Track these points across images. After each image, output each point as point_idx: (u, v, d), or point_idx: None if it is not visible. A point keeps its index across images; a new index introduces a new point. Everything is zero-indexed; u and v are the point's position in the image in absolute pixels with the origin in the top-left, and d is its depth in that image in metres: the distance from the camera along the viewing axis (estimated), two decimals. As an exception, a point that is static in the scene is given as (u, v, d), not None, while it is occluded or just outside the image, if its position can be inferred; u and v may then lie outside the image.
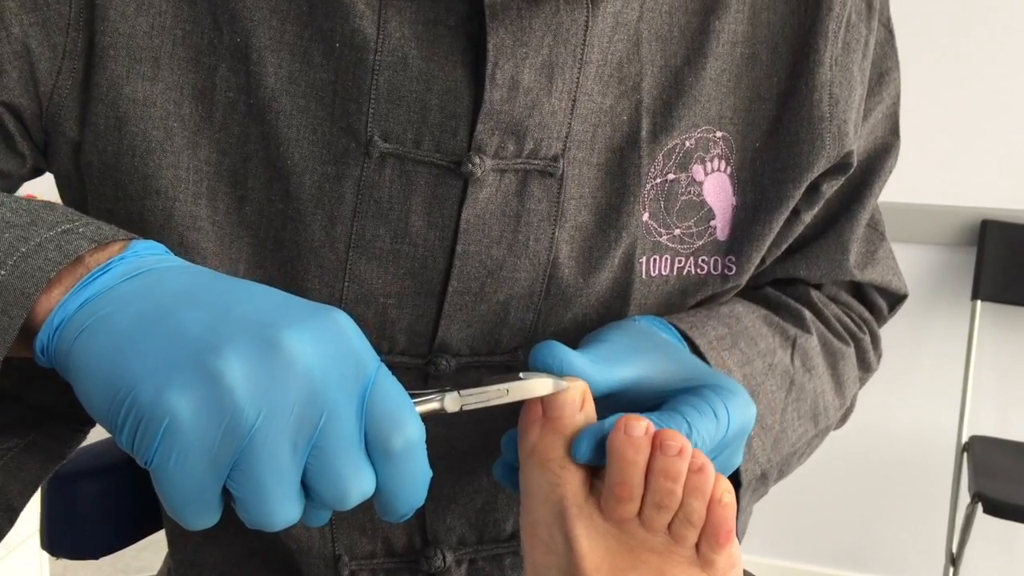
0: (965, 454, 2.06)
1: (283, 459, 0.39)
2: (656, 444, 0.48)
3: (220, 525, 0.67)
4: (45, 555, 1.94)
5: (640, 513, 0.49)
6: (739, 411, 0.53)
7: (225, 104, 0.55)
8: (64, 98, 0.55)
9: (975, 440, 2.07)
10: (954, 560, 2.01)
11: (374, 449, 0.41)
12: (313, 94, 0.55)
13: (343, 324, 0.41)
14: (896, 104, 0.72)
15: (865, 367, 0.76)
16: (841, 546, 2.33)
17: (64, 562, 2.40)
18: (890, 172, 0.72)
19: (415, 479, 0.42)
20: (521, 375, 0.49)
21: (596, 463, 0.50)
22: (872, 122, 0.69)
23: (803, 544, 2.35)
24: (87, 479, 0.82)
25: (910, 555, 2.28)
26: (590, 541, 0.50)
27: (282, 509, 0.40)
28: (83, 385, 0.40)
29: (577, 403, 0.50)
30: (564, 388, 0.50)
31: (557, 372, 0.51)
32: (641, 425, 0.48)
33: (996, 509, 1.78)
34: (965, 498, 1.89)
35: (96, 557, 0.85)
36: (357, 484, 0.41)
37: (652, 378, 0.54)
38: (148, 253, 0.45)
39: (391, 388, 0.42)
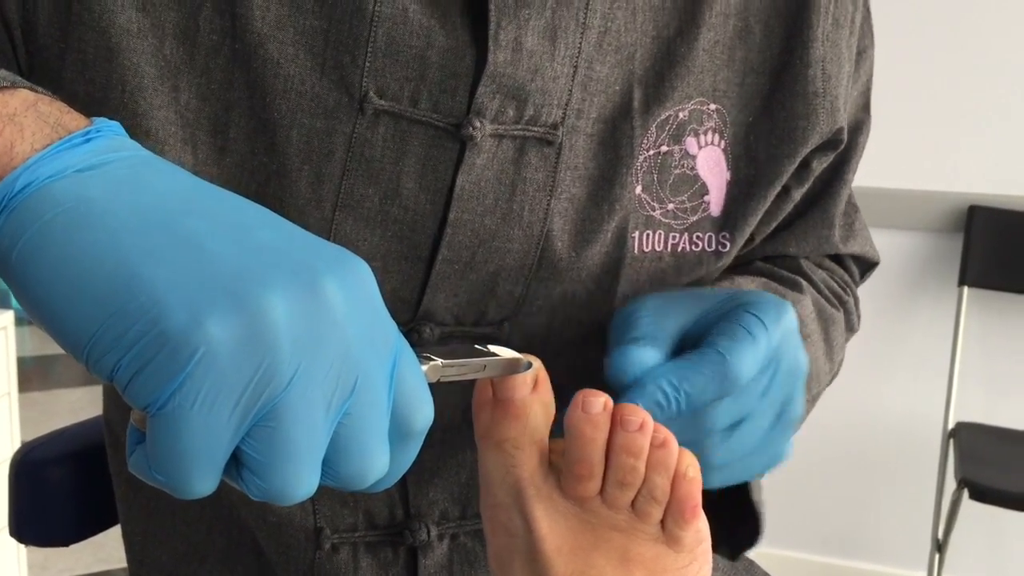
0: (951, 440, 2.06)
1: (316, 420, 0.35)
2: (616, 420, 0.47)
3: (165, 523, 0.66)
4: (23, 546, 1.92)
5: (602, 491, 0.48)
6: (772, 317, 0.52)
7: (208, 47, 0.53)
8: (40, 19, 0.51)
9: (961, 426, 2.07)
10: (940, 546, 2.01)
11: (394, 426, 0.38)
12: (303, 42, 0.53)
13: (369, 279, 0.37)
14: (870, 81, 0.72)
15: (850, 328, 0.76)
16: (827, 533, 2.33)
17: (44, 553, 2.39)
18: (864, 148, 0.72)
19: (408, 463, 0.40)
20: (490, 347, 0.48)
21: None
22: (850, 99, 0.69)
23: (789, 531, 2.35)
24: (54, 465, 0.80)
25: (896, 541, 2.28)
26: (550, 522, 0.49)
27: (305, 478, 0.35)
28: (57, 281, 0.34)
29: (528, 384, 0.49)
30: (530, 369, 0.49)
31: (643, 372, 0.50)
32: (599, 401, 0.47)
33: (982, 495, 1.78)
34: (951, 484, 1.89)
35: (66, 544, 0.83)
36: (380, 461, 0.37)
37: (688, 325, 0.54)
38: (120, 133, 0.39)
39: (415, 361, 0.39)
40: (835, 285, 0.74)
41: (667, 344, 0.53)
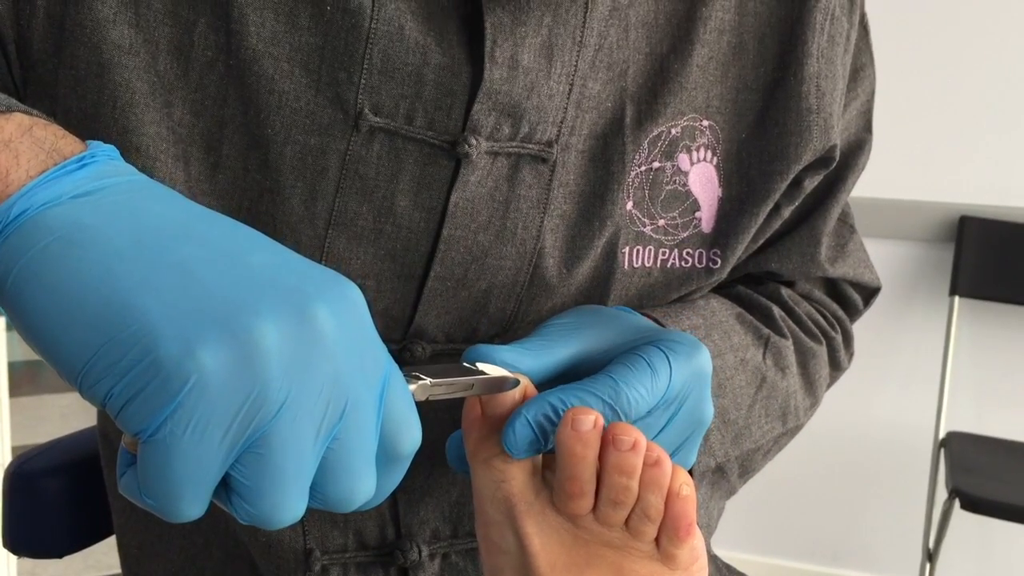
0: (942, 450, 2.06)
1: (305, 447, 0.35)
2: (608, 439, 0.47)
3: (162, 535, 0.66)
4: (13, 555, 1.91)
5: (595, 508, 0.48)
6: (682, 357, 0.50)
7: (203, 63, 0.52)
8: (34, 34, 0.51)
9: (952, 436, 2.08)
10: (931, 556, 2.01)
11: (382, 449, 0.38)
12: (298, 58, 0.53)
13: (360, 303, 0.38)
14: (870, 101, 0.71)
15: (836, 366, 0.75)
16: (819, 542, 2.33)
17: (34, 560, 2.38)
18: (863, 168, 0.71)
19: (395, 484, 0.40)
20: (479, 365, 0.48)
21: (537, 453, 0.49)
22: (847, 118, 0.69)
23: (780, 539, 2.35)
24: (48, 476, 0.80)
25: (887, 551, 2.28)
26: (542, 538, 0.49)
27: (293, 504, 0.36)
28: (51, 308, 0.34)
29: (516, 401, 0.49)
30: (517, 386, 0.49)
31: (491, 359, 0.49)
32: (589, 419, 0.47)
33: (973, 505, 1.78)
34: (942, 494, 1.89)
35: (59, 555, 0.83)
36: (367, 484, 0.38)
37: (593, 350, 0.52)
38: (115, 157, 0.39)
39: (404, 384, 0.39)
40: (822, 320, 0.73)
41: (548, 356, 0.51)
